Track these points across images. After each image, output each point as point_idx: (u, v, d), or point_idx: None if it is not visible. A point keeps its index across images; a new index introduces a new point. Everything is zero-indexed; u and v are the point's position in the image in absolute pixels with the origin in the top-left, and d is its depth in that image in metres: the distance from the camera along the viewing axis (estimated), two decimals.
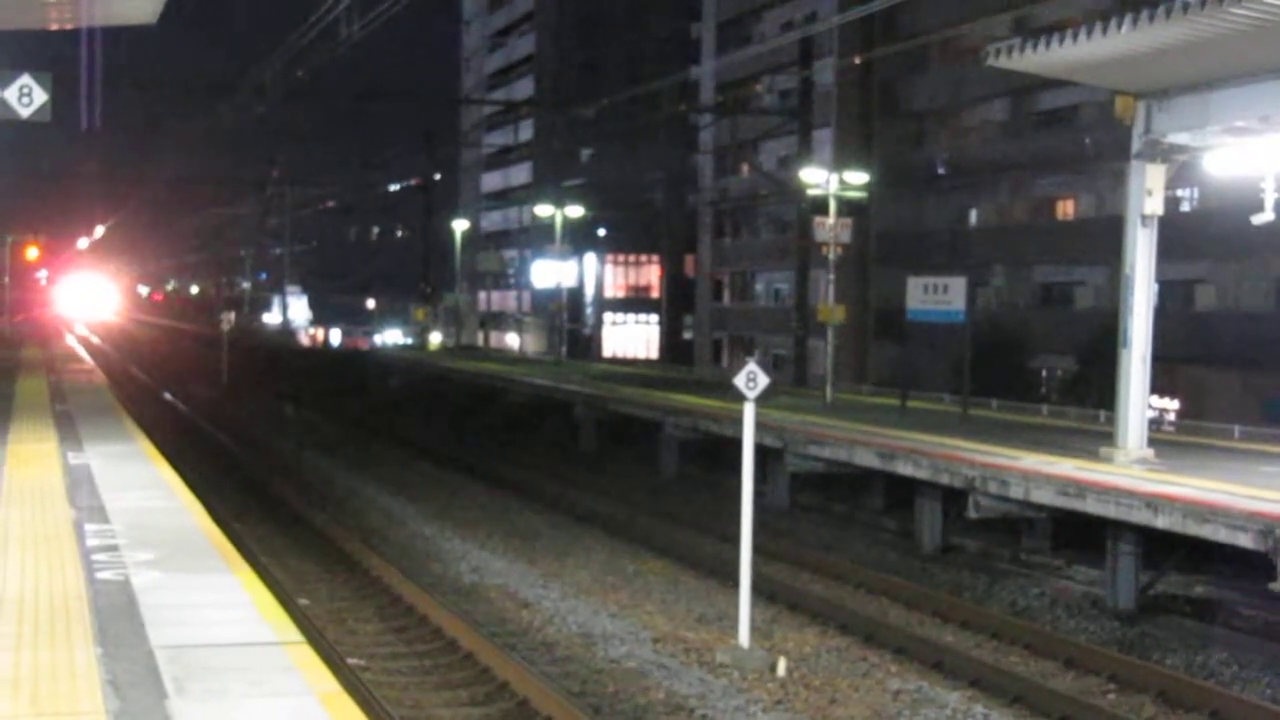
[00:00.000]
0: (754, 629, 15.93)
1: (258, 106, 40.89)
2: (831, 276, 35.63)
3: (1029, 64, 20.86)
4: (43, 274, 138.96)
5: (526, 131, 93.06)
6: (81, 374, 40.81)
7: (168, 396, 49.80)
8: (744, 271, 71.69)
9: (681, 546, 22.64)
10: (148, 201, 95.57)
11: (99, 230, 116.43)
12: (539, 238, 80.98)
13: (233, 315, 70.19)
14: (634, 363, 70.58)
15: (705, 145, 71.21)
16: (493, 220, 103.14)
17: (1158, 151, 20.40)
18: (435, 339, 78.31)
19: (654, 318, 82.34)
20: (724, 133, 68.11)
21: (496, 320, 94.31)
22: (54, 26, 22.02)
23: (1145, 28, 17.37)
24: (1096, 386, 34.77)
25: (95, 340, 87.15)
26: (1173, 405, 39.14)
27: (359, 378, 60.16)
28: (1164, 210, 20.80)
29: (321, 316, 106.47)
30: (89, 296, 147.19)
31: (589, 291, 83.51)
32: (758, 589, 16.92)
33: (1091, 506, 18.24)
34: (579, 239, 70.81)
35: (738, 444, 16.59)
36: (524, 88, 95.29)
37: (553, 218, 58.95)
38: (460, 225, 76.04)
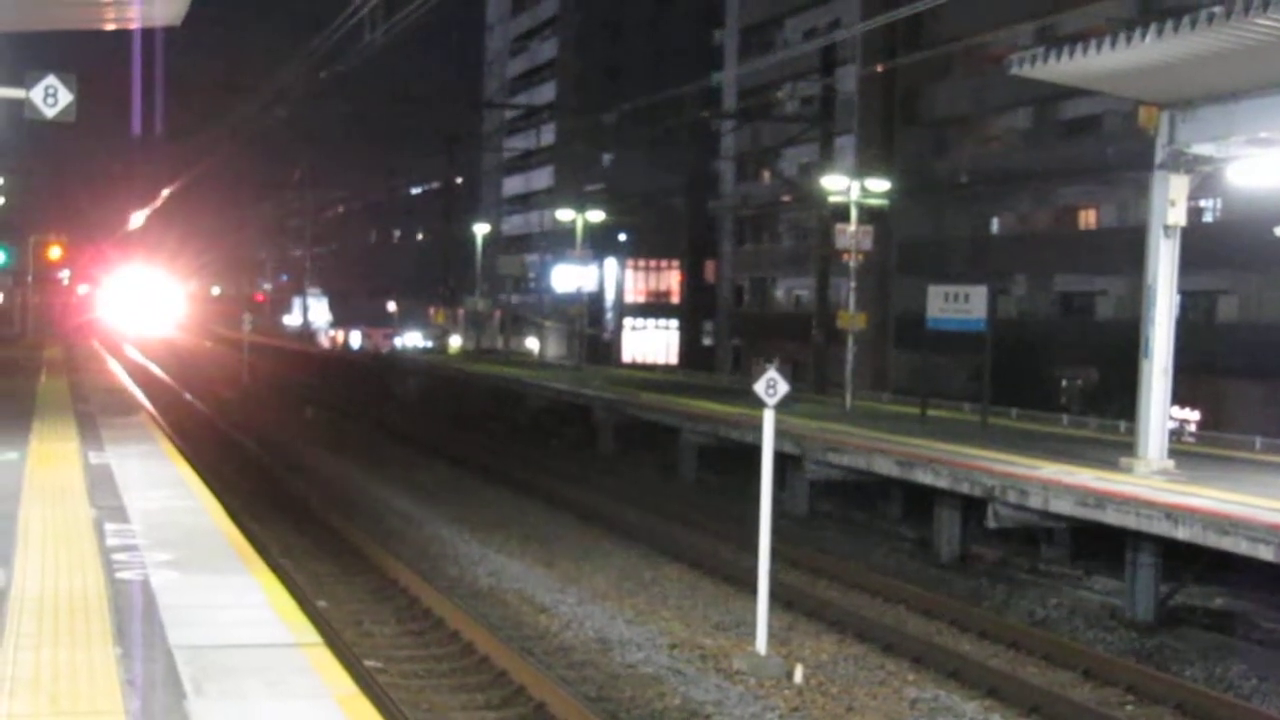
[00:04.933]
0: (771, 636, 15.91)
1: (281, 110, 41.02)
2: (852, 284, 35.58)
3: (1052, 73, 20.82)
4: (75, 278, 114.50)
5: (548, 136, 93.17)
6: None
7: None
8: (765, 278, 71.65)
9: (699, 552, 22.62)
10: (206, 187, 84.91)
11: (147, 213, 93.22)
12: (560, 242, 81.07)
13: (250, 317, 70.29)
14: (653, 368, 70.64)
15: (727, 151, 71.24)
16: (514, 224, 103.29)
17: (1181, 162, 20.34)
18: (455, 342, 78.39)
19: (674, 323, 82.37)
20: (745, 139, 68.14)
21: (517, 324, 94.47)
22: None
23: (1169, 38, 17.33)
24: (1117, 396, 34.66)
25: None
26: (1194, 416, 38.99)
27: (379, 380, 60.32)
28: (1187, 221, 20.75)
29: (342, 319, 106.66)
30: (144, 303, 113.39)
31: (609, 296, 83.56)
32: (775, 596, 16.90)
33: (1111, 517, 18.18)
34: (600, 243, 70.91)
35: (757, 450, 16.58)
36: (546, 92, 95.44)
37: (574, 222, 59.02)
38: (481, 229, 76.16)
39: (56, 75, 16.36)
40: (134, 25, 22.14)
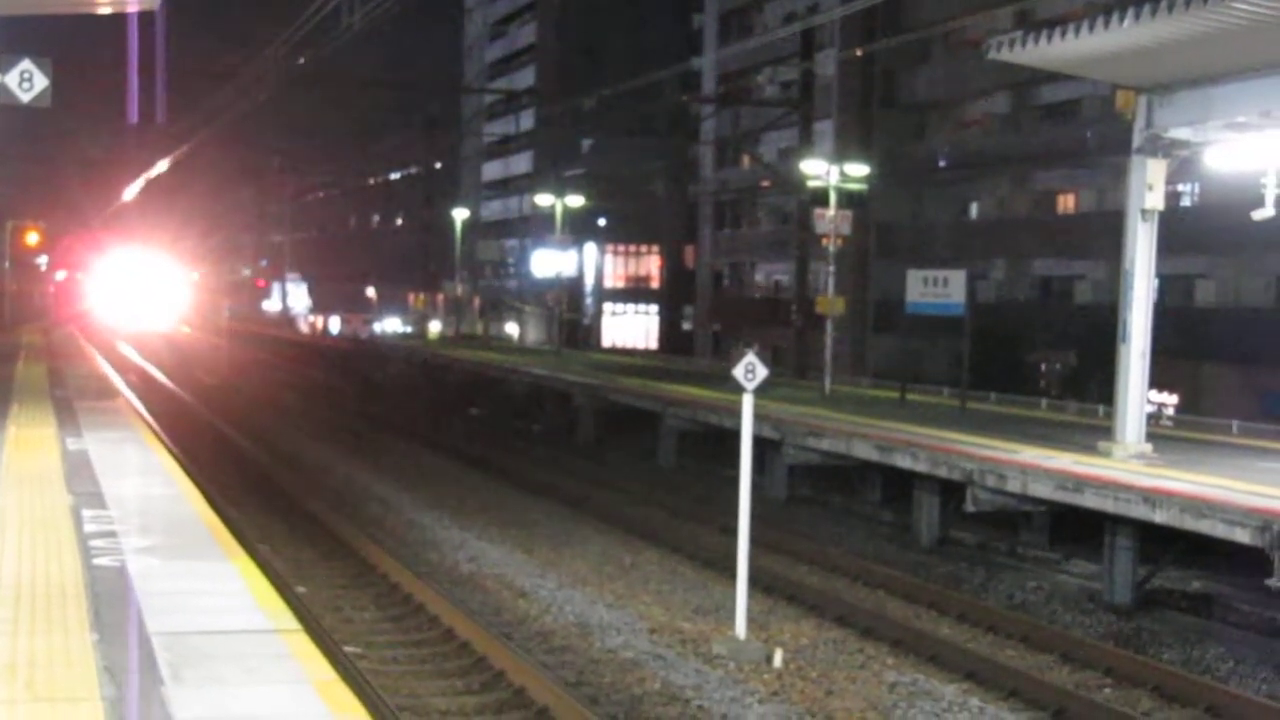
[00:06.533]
0: (751, 620, 15.93)
1: (258, 95, 40.79)
2: (831, 268, 35.60)
3: (1030, 58, 20.83)
4: (54, 264, 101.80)
5: (527, 121, 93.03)
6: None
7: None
8: (744, 263, 71.69)
9: (679, 537, 22.64)
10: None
11: (125, 201, 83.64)
12: (539, 227, 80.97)
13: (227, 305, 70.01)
14: (633, 353, 70.64)
15: (706, 136, 71.18)
16: (493, 209, 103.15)
17: (1159, 146, 20.38)
18: (434, 328, 78.31)
19: (653, 308, 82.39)
20: (725, 124, 68.11)
21: (496, 309, 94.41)
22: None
23: (1147, 22, 17.34)
24: (1095, 381, 34.78)
25: None
26: (1171, 400, 39.15)
27: (357, 366, 60.21)
28: (1164, 205, 20.79)
29: (321, 304, 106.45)
30: (140, 293, 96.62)
31: (589, 281, 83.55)
32: (755, 580, 16.92)
33: (1089, 501, 18.24)
34: (579, 229, 70.76)
35: (736, 435, 16.58)
36: (525, 77, 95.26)
37: (553, 207, 58.93)
38: (460, 214, 75.98)
39: (32, 60, 16.25)
40: (111, 9, 22.00)
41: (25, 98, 16.23)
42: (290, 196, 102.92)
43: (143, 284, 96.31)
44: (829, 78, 56.64)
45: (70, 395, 27.13)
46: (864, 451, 23.96)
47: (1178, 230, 30.32)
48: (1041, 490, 19.26)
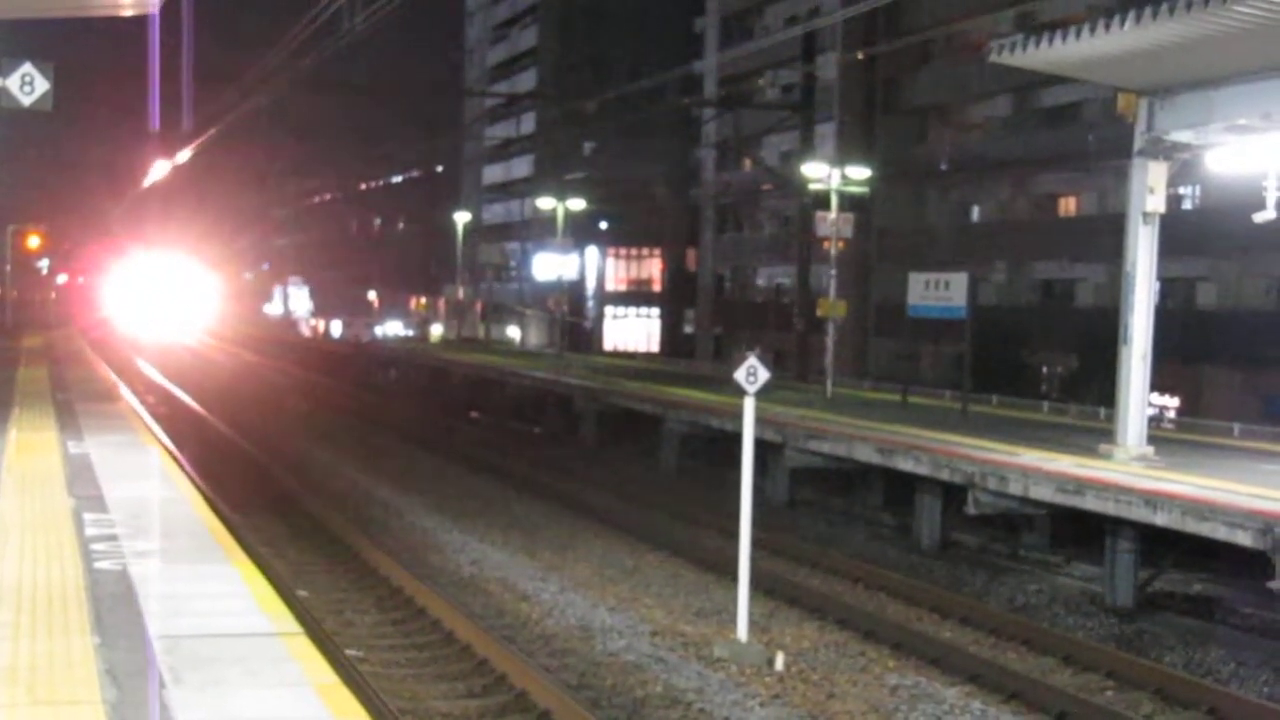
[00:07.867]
0: (752, 623, 15.92)
1: (261, 99, 40.80)
2: (833, 271, 35.60)
3: (1032, 61, 20.84)
4: (56, 268, 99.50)
5: (529, 124, 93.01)
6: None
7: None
8: (746, 266, 71.69)
9: (680, 540, 22.63)
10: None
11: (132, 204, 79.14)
12: (540, 230, 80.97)
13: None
14: (635, 356, 70.65)
15: (708, 139, 71.23)
16: (494, 213, 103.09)
17: (1160, 149, 20.39)
18: (436, 331, 78.32)
19: (655, 311, 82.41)
20: (726, 127, 68.11)
21: (498, 313, 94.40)
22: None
23: (1148, 25, 17.35)
24: (1097, 383, 34.76)
25: None
26: (1173, 403, 39.13)
27: (360, 369, 60.22)
28: (1166, 208, 20.80)
29: (323, 308, 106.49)
30: (162, 298, 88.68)
31: (590, 285, 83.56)
32: (756, 583, 16.91)
33: (1090, 503, 18.24)
34: (580, 232, 70.83)
35: (738, 438, 16.59)
36: (527, 80, 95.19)
37: (554, 211, 58.94)
38: (462, 218, 75.90)
39: (33, 63, 16.25)
40: (109, 13, 22.04)
41: (27, 101, 16.23)
42: (292, 200, 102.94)
43: (152, 289, 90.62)
44: (830, 81, 56.64)
45: (72, 399, 27.14)
46: (865, 454, 23.96)
47: (1179, 233, 30.30)
48: (1043, 493, 19.25)
